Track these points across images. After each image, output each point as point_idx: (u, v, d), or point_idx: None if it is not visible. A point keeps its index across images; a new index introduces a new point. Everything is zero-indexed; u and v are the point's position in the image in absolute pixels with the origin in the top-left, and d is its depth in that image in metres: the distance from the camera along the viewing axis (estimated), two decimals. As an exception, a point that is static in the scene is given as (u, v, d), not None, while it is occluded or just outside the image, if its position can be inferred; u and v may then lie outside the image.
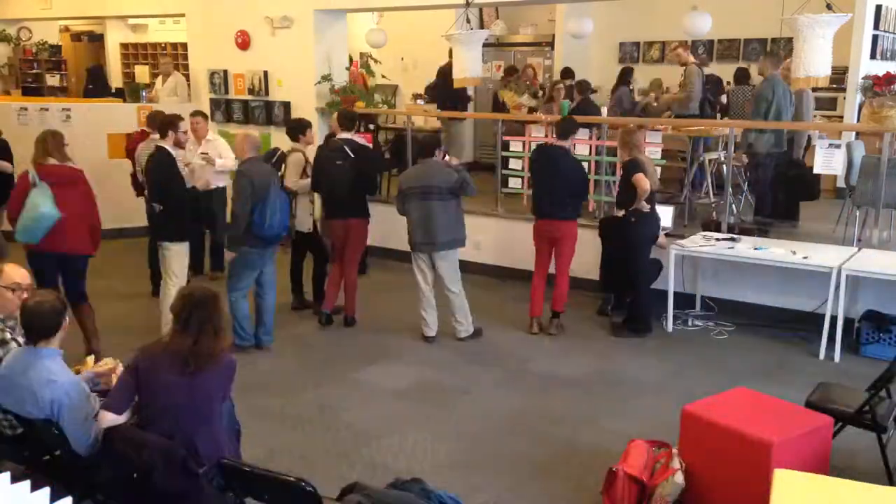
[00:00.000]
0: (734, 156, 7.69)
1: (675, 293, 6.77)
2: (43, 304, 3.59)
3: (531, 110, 9.79)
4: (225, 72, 9.98)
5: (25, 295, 3.92)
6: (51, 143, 5.71)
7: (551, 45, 12.90)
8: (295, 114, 9.53)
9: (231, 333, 5.88)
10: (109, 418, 3.43)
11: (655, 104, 10.13)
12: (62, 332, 3.60)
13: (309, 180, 6.93)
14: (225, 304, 4.26)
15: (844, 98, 9.15)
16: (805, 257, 6.24)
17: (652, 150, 7.39)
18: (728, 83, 10.59)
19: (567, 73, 11.08)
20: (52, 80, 14.88)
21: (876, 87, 6.73)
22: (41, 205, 5.47)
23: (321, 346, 6.52)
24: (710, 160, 9.01)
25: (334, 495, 3.43)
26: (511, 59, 13.36)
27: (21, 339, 3.82)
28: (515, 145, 8.19)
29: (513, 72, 11.20)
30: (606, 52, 13.30)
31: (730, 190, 7.60)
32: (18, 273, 4.08)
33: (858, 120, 7.32)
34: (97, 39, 16.21)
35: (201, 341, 3.46)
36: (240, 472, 3.30)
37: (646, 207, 6.40)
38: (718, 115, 9.86)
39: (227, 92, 10.04)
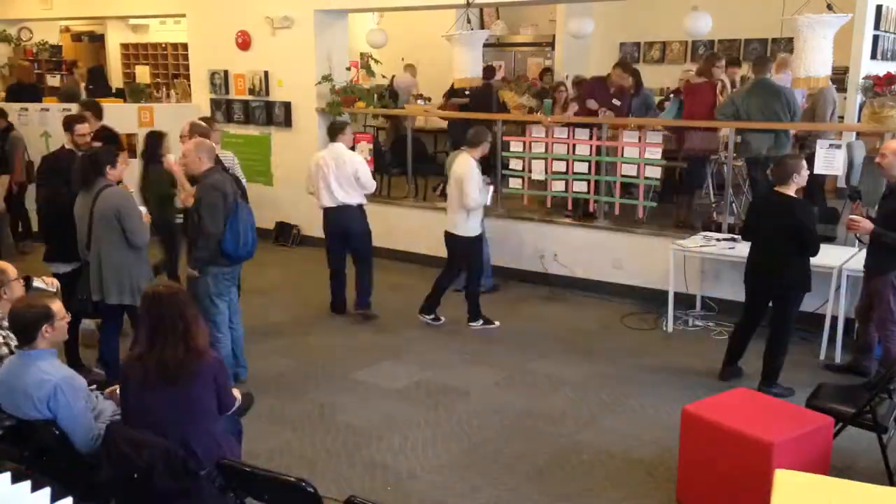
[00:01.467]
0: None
1: (675, 293, 6.78)
2: (23, 310, 3.59)
3: (531, 110, 9.78)
4: (225, 72, 9.99)
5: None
6: None
7: (551, 45, 12.90)
8: (295, 114, 9.55)
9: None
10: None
11: None
12: (44, 337, 3.57)
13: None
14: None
15: (845, 98, 9.15)
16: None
17: (652, 150, 7.40)
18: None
19: (546, 74, 11.03)
20: (53, 80, 14.87)
21: (876, 87, 6.70)
22: None
23: (321, 346, 6.52)
24: (710, 160, 9.00)
25: (334, 495, 3.43)
26: (511, 60, 13.37)
27: (13, 341, 3.84)
28: (516, 145, 8.19)
29: (491, 72, 10.95)
30: (606, 53, 13.29)
31: (730, 190, 7.60)
32: (10, 270, 4.16)
33: (859, 120, 7.30)
34: (98, 40, 16.22)
35: (169, 353, 3.33)
36: (240, 473, 3.30)
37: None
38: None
39: (227, 92, 10.05)
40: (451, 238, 6.74)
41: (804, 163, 5.49)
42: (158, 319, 3.38)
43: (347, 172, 6.82)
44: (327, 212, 6.99)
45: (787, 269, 5.34)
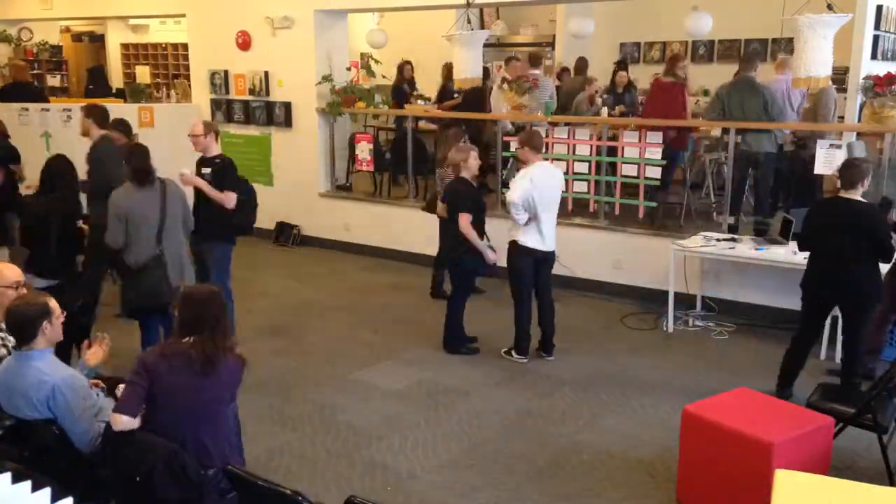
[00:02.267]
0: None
1: (676, 293, 6.78)
2: (24, 308, 3.55)
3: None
4: (225, 72, 9.99)
5: (24, 292, 3.94)
6: None
7: (552, 45, 12.90)
8: (295, 114, 9.55)
9: None
10: (124, 421, 3.33)
11: None
12: (44, 335, 3.55)
13: None
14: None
15: (845, 98, 9.15)
16: (806, 257, 6.21)
17: (652, 150, 7.39)
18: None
19: (564, 73, 10.98)
20: (53, 80, 14.90)
21: (877, 87, 6.71)
22: None
23: (321, 346, 6.52)
24: (710, 160, 9.01)
25: (334, 495, 3.42)
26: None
27: (11, 342, 3.82)
28: (515, 145, 8.17)
29: (486, 73, 10.79)
30: (606, 53, 13.29)
31: (730, 190, 7.60)
32: (14, 272, 4.10)
33: (859, 120, 7.30)
34: (98, 40, 16.23)
35: (216, 340, 3.44)
36: (240, 479, 3.29)
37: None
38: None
39: (227, 92, 10.05)
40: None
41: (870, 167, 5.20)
42: (199, 316, 3.45)
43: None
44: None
45: (862, 279, 5.01)
